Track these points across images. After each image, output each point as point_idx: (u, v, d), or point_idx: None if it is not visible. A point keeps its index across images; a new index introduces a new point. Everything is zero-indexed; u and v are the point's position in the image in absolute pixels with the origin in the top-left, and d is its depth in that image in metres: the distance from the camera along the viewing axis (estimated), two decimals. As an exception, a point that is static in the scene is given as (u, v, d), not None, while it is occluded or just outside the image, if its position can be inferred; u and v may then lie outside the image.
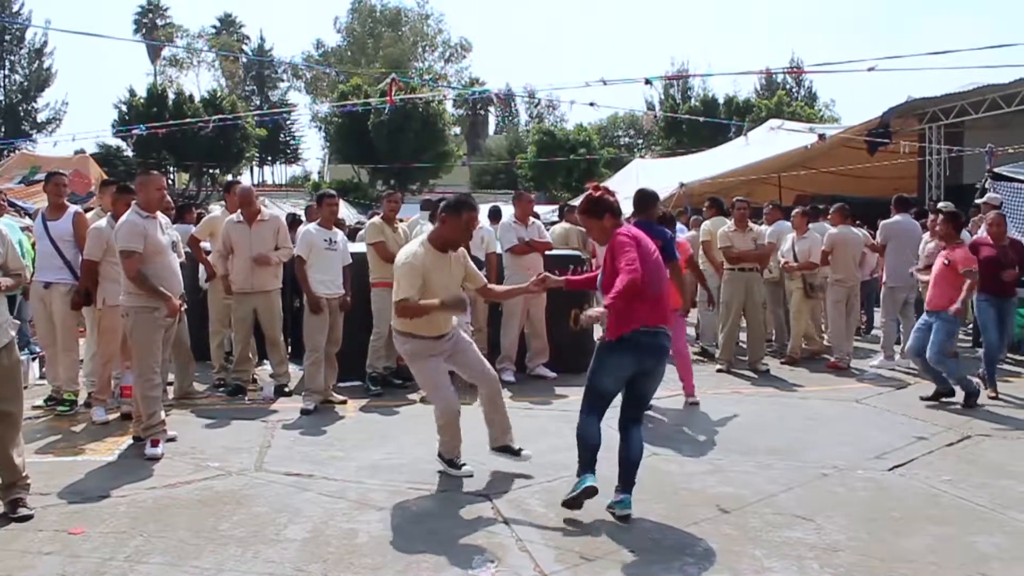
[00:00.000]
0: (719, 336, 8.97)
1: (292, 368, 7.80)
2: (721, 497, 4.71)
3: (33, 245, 7.09)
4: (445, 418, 5.01)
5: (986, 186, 11.37)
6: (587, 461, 4.43)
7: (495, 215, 10.89)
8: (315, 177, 57.57)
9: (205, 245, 7.85)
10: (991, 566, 3.79)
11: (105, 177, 14.79)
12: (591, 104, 12.64)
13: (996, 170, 11.55)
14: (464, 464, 5.11)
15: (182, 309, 7.20)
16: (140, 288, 5.50)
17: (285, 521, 4.29)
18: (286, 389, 7.46)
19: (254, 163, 54.60)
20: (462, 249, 5.06)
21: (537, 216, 10.82)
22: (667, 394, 7.41)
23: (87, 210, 7.81)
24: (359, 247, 7.85)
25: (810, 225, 10.22)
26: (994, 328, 7.51)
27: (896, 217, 9.02)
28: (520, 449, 5.24)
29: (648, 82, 10.21)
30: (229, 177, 40.11)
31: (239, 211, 7.39)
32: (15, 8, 45.76)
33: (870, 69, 10.08)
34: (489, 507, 4.53)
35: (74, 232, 6.66)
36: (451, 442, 5.09)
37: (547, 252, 8.23)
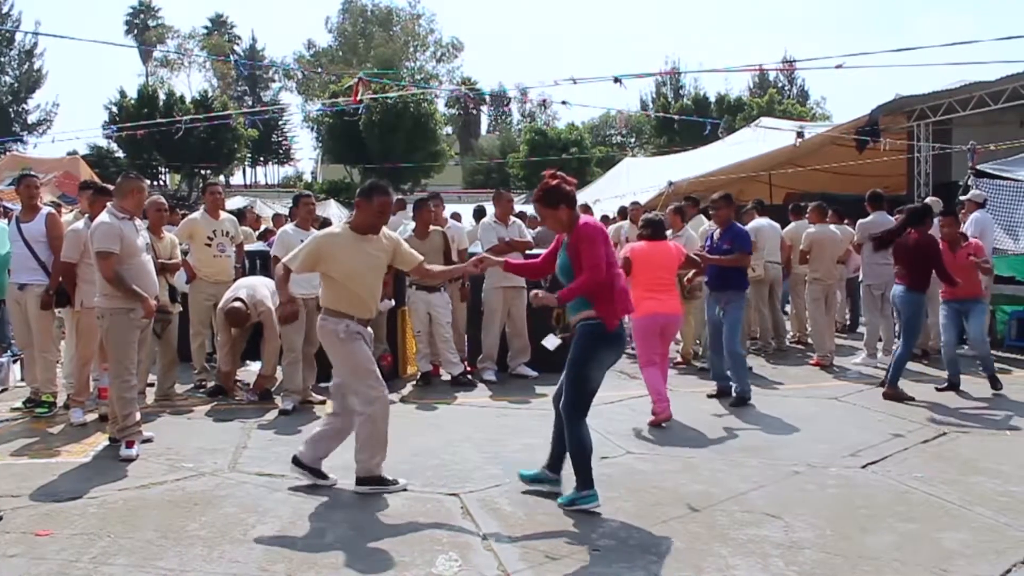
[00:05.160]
0: (703, 335, 8.97)
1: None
2: (691, 495, 4.72)
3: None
4: (378, 404, 4.69)
5: (969, 183, 11.40)
6: (589, 472, 4.46)
7: (479, 215, 10.90)
8: (308, 177, 57.50)
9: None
10: (954, 563, 3.80)
11: (96, 179, 14.78)
12: (563, 103, 12.66)
13: (979, 167, 11.58)
14: (397, 479, 4.82)
15: (175, 312, 7.25)
16: (117, 289, 5.49)
17: (254, 521, 4.29)
18: (272, 390, 7.43)
19: (246, 164, 54.49)
20: (393, 235, 5.07)
21: (523, 215, 10.83)
22: (647, 393, 7.41)
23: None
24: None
25: (793, 223, 10.28)
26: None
27: (872, 216, 9.02)
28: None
29: (617, 80, 10.14)
30: (221, 178, 40.09)
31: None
32: (4, 9, 45.61)
33: (838, 67, 10.08)
34: (458, 506, 4.53)
35: (47, 233, 6.66)
36: (378, 450, 4.75)
37: (528, 252, 8.22)
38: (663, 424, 6.40)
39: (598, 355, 4.48)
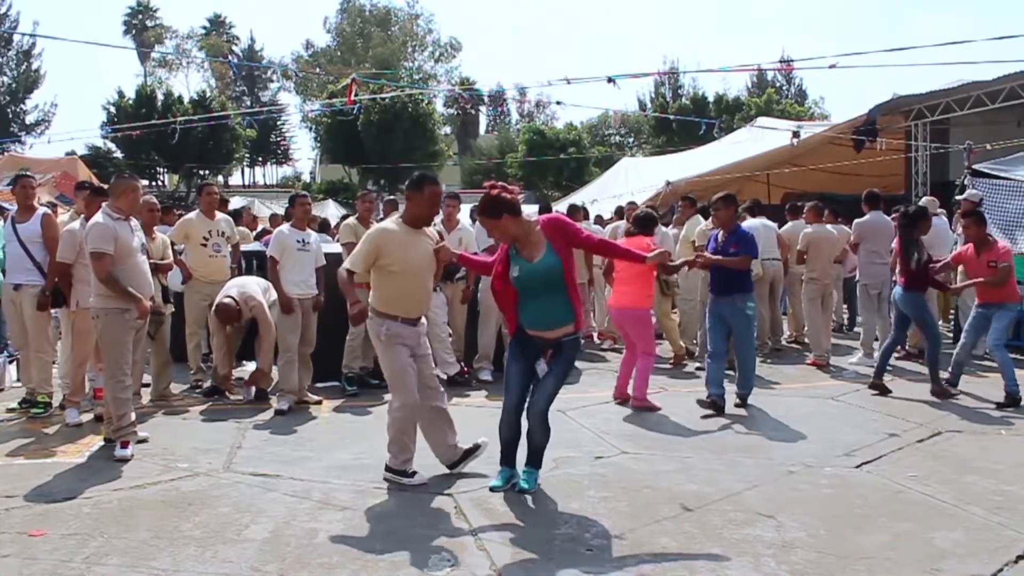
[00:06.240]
0: (699, 334, 8.98)
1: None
2: (685, 495, 4.72)
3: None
4: (404, 412, 4.80)
5: (965, 183, 11.41)
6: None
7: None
8: (306, 178, 57.48)
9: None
10: (947, 562, 3.81)
11: (94, 179, 14.78)
12: (557, 103, 12.74)
13: (976, 167, 11.58)
14: (415, 472, 4.91)
15: (167, 313, 7.25)
16: (111, 290, 5.48)
17: (247, 521, 4.29)
18: (268, 390, 7.44)
19: (245, 164, 54.47)
20: (433, 230, 5.14)
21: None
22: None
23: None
24: (335, 247, 7.85)
25: (790, 223, 10.29)
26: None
27: (868, 216, 9.02)
28: (476, 444, 5.17)
29: (611, 80, 10.17)
30: (219, 178, 40.06)
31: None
32: (2, 10, 45.51)
33: (831, 66, 10.12)
34: (452, 506, 4.53)
35: (43, 234, 6.66)
36: (403, 446, 4.86)
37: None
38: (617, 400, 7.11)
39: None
